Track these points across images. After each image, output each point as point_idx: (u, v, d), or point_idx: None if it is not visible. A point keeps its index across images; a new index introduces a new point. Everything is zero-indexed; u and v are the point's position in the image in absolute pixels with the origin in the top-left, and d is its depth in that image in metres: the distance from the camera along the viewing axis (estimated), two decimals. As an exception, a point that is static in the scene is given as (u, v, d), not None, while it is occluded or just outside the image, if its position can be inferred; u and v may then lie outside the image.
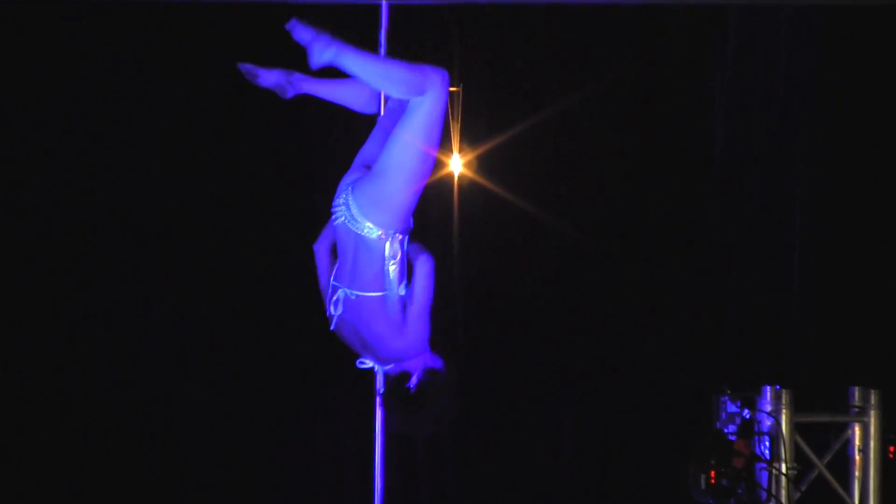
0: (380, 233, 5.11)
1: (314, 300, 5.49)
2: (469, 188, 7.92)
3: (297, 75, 5.55)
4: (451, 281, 7.96)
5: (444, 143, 7.80)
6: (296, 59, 5.34)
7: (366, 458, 7.19)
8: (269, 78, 5.53)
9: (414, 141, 4.98)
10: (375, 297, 5.13)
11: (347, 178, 5.19)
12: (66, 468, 7.69)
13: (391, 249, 5.12)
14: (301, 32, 5.00)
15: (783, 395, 6.71)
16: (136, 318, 7.77)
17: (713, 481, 6.61)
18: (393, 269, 5.12)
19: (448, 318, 7.98)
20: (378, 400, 5.57)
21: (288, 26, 4.99)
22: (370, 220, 5.08)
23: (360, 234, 5.08)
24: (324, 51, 4.96)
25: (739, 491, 6.64)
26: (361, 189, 5.03)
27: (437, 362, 5.26)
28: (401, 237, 5.13)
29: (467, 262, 7.96)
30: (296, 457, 7.88)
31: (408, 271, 5.26)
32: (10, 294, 7.69)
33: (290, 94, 5.63)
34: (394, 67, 4.99)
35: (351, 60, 4.98)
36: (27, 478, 7.67)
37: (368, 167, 5.23)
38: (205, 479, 7.80)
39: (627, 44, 7.89)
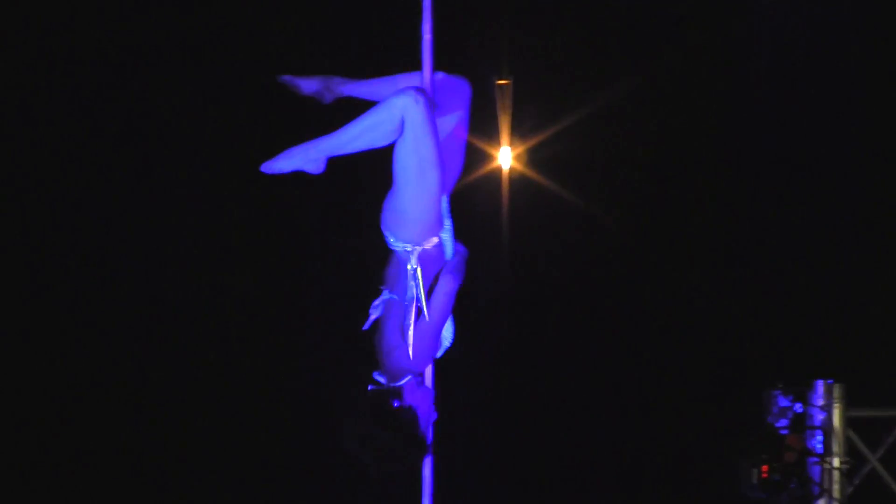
0: (405, 246, 5.13)
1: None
2: (519, 182, 7.91)
3: (336, 79, 5.56)
4: (501, 274, 7.96)
5: (493, 136, 7.84)
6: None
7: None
8: (309, 86, 5.54)
9: (409, 160, 5.00)
10: (400, 302, 5.16)
11: None
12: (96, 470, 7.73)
13: (414, 262, 5.15)
14: (279, 168, 5.07)
15: (835, 390, 6.67)
16: (186, 318, 7.79)
17: (765, 476, 6.58)
18: (412, 283, 5.15)
19: (497, 311, 7.99)
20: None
21: (266, 171, 5.08)
22: (392, 234, 5.10)
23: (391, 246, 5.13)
24: (312, 162, 5.05)
25: (792, 486, 6.61)
26: (385, 204, 5.07)
27: (429, 397, 5.23)
28: (420, 249, 5.15)
29: (517, 256, 7.95)
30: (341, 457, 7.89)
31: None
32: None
33: (329, 98, 5.63)
34: (366, 120, 5.03)
35: (337, 146, 5.04)
36: (28, 477, 7.66)
37: None
38: (251, 481, 7.81)
39: (679, 33, 7.85)
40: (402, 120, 4.94)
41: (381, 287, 5.22)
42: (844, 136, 7.72)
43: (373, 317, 5.22)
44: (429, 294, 5.15)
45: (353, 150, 5.07)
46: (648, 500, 7.86)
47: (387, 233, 5.11)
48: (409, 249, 5.11)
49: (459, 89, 5.35)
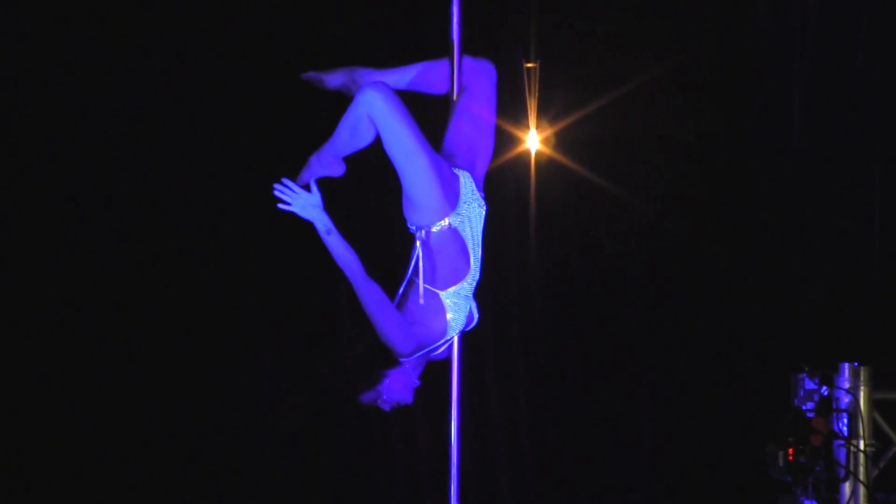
0: (414, 228, 5.19)
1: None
2: (546, 165, 7.92)
3: (361, 70, 5.57)
4: (528, 259, 7.97)
5: (520, 119, 7.85)
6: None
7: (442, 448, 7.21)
8: (334, 80, 5.56)
9: (392, 151, 5.07)
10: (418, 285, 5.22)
11: None
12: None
13: (419, 243, 5.20)
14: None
15: (861, 372, 6.67)
16: (209, 315, 7.83)
17: (791, 459, 6.58)
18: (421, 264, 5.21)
19: (524, 296, 8.00)
20: (453, 391, 5.58)
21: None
22: (407, 219, 5.17)
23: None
24: (329, 167, 5.12)
25: (818, 468, 6.61)
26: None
27: (409, 385, 5.28)
28: (426, 231, 5.19)
29: (544, 240, 7.96)
30: (373, 451, 7.93)
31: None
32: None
33: (356, 91, 5.63)
34: (345, 123, 5.13)
35: (336, 150, 5.14)
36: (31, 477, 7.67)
37: (452, 155, 5.28)
38: (282, 477, 7.85)
39: (707, 17, 7.84)
40: (372, 116, 5.00)
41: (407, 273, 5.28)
42: (871, 124, 7.71)
43: (399, 294, 5.27)
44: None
45: (354, 149, 5.16)
46: (676, 484, 7.87)
47: (406, 218, 5.18)
48: (420, 232, 5.17)
49: (485, 72, 5.38)
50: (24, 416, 7.58)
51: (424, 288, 5.17)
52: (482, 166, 5.34)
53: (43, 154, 7.65)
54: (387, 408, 5.26)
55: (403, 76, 5.50)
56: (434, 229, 5.15)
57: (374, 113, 5.02)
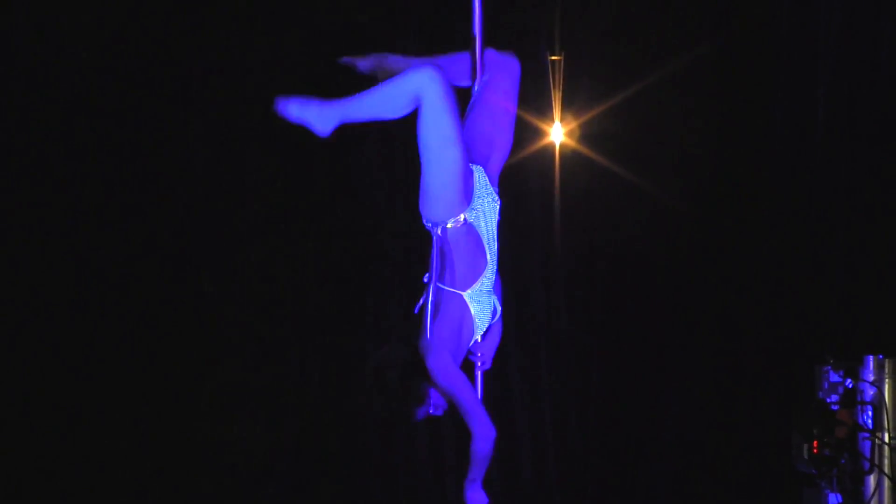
0: (430, 225, 5.18)
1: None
2: (571, 157, 7.92)
3: (391, 57, 5.59)
4: (553, 252, 7.97)
5: (545, 111, 7.85)
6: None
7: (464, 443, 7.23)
8: (365, 64, 5.58)
9: (429, 137, 5.04)
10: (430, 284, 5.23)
11: None
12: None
13: (436, 239, 5.20)
14: (290, 112, 5.09)
15: (886, 365, 6.66)
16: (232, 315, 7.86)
17: (816, 451, 6.58)
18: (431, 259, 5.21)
19: (549, 288, 8.01)
20: (477, 386, 5.59)
21: (278, 109, 5.08)
22: (423, 214, 5.16)
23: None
24: (323, 120, 5.07)
25: (842, 461, 6.61)
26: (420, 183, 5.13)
27: (439, 398, 5.30)
28: (443, 227, 5.18)
29: (568, 233, 7.96)
30: (397, 446, 7.95)
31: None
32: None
33: (385, 77, 5.64)
34: (382, 91, 5.08)
35: (351, 111, 5.08)
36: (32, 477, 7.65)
37: (468, 149, 5.27)
38: (305, 466, 7.87)
39: (731, 8, 7.82)
40: (416, 96, 4.99)
41: (426, 274, 5.29)
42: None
43: (421, 301, 5.28)
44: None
45: (366, 117, 5.11)
46: (700, 476, 7.87)
47: (422, 214, 5.17)
48: (436, 229, 5.17)
49: (508, 66, 5.38)
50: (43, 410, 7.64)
51: (447, 290, 5.19)
52: (498, 161, 5.34)
53: (43, 154, 7.69)
54: (440, 412, 5.27)
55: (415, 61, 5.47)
56: (449, 225, 5.15)
57: (427, 94, 4.98)
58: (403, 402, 5.17)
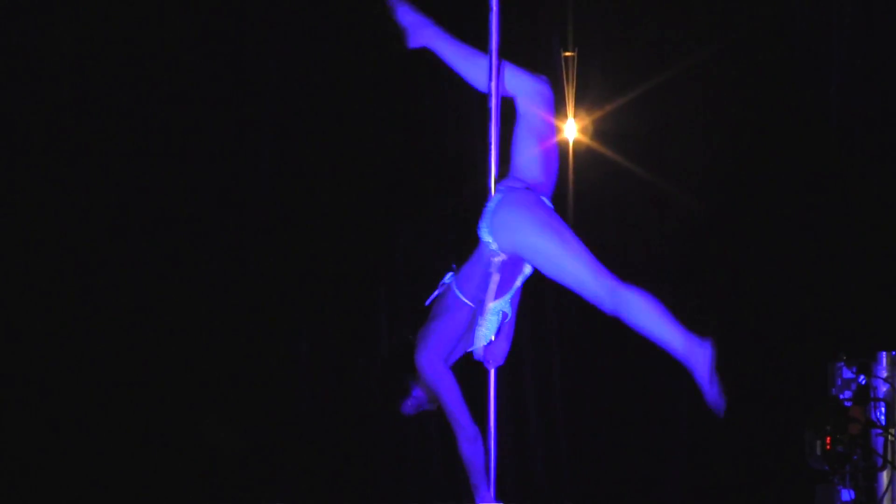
0: (496, 249, 5.17)
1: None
2: (584, 154, 7.92)
3: (430, 27, 5.46)
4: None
5: (558, 108, 7.85)
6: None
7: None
8: (404, 17, 5.51)
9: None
10: (453, 295, 5.24)
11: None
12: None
13: (495, 268, 5.22)
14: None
15: (899, 361, 6.67)
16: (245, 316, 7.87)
17: (829, 448, 6.57)
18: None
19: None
20: (491, 384, 5.60)
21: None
22: (491, 235, 5.14)
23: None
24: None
25: (855, 457, 6.60)
26: (500, 202, 5.11)
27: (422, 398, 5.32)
28: (501, 256, 5.20)
29: (581, 229, 7.94)
30: (410, 439, 7.96)
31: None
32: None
33: (414, 42, 5.57)
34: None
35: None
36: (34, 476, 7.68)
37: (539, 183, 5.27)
38: (319, 457, 7.88)
39: (744, 4, 7.82)
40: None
41: (452, 267, 5.28)
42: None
43: (434, 294, 5.28)
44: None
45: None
46: (713, 472, 7.87)
47: (486, 231, 5.14)
48: (497, 256, 5.15)
49: (542, 96, 5.27)
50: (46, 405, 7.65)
51: (462, 301, 5.20)
52: (553, 183, 5.35)
53: (44, 154, 7.70)
54: (434, 407, 5.28)
55: (457, 54, 5.37)
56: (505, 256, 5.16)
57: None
58: (389, 393, 5.21)
